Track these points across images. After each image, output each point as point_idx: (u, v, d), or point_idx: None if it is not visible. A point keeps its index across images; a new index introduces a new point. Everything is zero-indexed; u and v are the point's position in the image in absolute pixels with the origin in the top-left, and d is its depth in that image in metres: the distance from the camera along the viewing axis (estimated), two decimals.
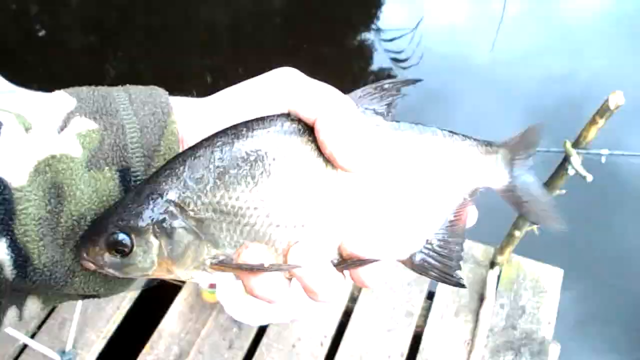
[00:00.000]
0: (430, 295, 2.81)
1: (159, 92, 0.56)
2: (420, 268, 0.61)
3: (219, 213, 0.53)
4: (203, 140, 0.54)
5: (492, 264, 2.85)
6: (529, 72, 4.72)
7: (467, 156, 0.64)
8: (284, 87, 0.56)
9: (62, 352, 2.51)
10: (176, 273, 0.54)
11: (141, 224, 0.51)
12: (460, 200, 0.64)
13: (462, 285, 0.62)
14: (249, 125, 0.55)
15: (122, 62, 5.31)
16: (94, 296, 0.57)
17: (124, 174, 0.53)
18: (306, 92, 0.56)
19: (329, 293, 0.55)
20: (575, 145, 2.24)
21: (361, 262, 0.56)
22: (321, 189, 0.55)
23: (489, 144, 0.67)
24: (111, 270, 0.52)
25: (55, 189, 0.50)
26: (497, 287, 2.80)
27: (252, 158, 0.53)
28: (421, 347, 2.61)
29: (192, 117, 0.57)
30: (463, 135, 0.65)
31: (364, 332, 2.64)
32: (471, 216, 0.65)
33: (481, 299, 2.74)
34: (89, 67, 5.00)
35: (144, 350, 2.59)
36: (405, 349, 2.60)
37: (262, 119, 0.55)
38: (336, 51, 5.28)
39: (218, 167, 0.53)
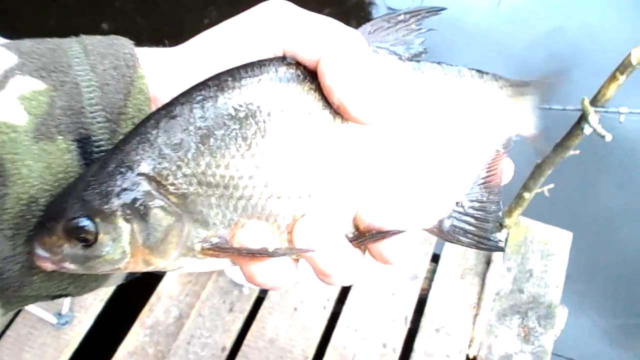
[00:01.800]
0: (435, 258, 2.75)
1: (122, 42, 0.46)
2: (450, 235, 0.52)
3: (205, 186, 0.44)
4: (179, 96, 0.44)
5: (500, 227, 2.78)
6: (535, 28, 4.57)
7: (499, 99, 0.55)
8: (276, 23, 0.46)
9: (59, 315, 2.46)
10: (157, 264, 0.45)
11: (107, 205, 0.42)
12: (493, 153, 0.55)
13: (501, 249, 0.54)
14: (234, 73, 0.45)
15: (118, 17, 5.14)
16: (65, 295, 0.48)
17: (84, 144, 0.44)
18: (304, 28, 0.46)
19: (346, 274, 0.47)
20: (593, 103, 2.13)
21: (382, 234, 0.47)
22: (329, 149, 0.46)
23: (521, 84, 0.59)
24: (72, 266, 0.43)
25: None
26: (504, 250, 2.73)
27: (241, 115, 0.44)
28: (426, 310, 2.56)
29: (165, 70, 0.47)
30: (493, 75, 0.56)
31: (368, 296, 2.59)
32: (507, 170, 0.56)
33: (488, 262, 2.68)
34: (84, 22, 4.84)
35: (143, 313, 2.54)
36: (409, 313, 2.55)
37: (251, 65, 0.45)
38: (335, 10, 5.10)
39: (200, 128, 0.44)
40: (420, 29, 0.51)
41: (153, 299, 2.58)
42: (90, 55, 0.45)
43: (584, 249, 2.98)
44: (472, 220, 0.53)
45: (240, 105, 0.44)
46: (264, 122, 0.44)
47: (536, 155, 0.65)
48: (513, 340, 2.49)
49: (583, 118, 2.15)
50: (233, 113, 0.44)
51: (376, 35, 0.50)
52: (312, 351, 2.45)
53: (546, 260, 2.71)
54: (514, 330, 2.52)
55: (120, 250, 0.43)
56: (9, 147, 0.41)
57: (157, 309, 2.56)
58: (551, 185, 2.56)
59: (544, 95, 0.62)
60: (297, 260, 0.48)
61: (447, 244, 2.71)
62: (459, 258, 2.71)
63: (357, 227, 0.48)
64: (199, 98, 0.44)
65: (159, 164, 0.43)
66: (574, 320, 2.69)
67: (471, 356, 2.44)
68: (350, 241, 0.48)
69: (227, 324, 2.51)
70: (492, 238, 0.54)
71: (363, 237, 0.48)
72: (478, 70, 0.55)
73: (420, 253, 2.73)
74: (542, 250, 2.75)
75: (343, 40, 0.45)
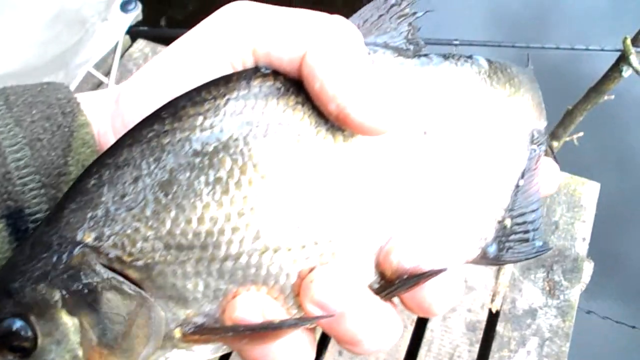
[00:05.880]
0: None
1: (55, 86, 0.36)
2: (498, 260, 0.43)
3: (175, 249, 0.33)
4: (125, 136, 0.35)
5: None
6: None
7: (521, 90, 0.46)
8: (243, 23, 0.35)
9: None
10: None
11: (43, 295, 0.31)
12: (526, 155, 0.45)
13: (549, 249, 0.46)
14: (194, 97, 0.34)
15: None
16: None
17: (15, 219, 0.34)
18: (279, 22, 0.34)
19: (379, 338, 0.36)
20: (635, 43, 1.98)
21: (417, 278, 0.36)
22: (332, 178, 0.36)
23: (529, 71, 0.50)
24: None
25: None
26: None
27: (209, 149, 0.33)
28: None
29: (117, 110, 0.36)
30: (503, 63, 0.46)
31: None
32: (550, 173, 0.46)
33: None
34: None
35: None
36: None
37: (215, 83, 0.34)
38: None
39: (158, 174, 0.33)
40: (414, 13, 0.40)
41: None
42: (14, 107, 0.34)
43: (613, 200, 2.87)
44: (516, 236, 0.44)
45: (209, 138, 0.33)
46: (242, 154, 0.34)
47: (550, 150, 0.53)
48: (537, 295, 2.41)
49: (623, 59, 2.00)
50: (198, 148, 0.33)
51: (367, 27, 0.38)
52: None
53: (573, 212, 2.60)
54: (538, 284, 2.43)
55: (69, 355, 0.32)
56: None
57: None
58: (581, 134, 2.44)
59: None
60: (313, 329, 0.37)
61: None
62: None
63: (382, 275, 0.37)
64: (151, 135, 0.33)
65: (108, 229, 0.32)
66: (599, 274, 2.59)
67: (494, 310, 2.36)
68: (377, 294, 0.37)
69: None
70: (537, 245, 0.44)
71: (393, 286, 0.37)
72: (489, 60, 0.44)
73: None
74: (568, 201, 2.63)
75: (331, 30, 0.34)
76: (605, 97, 2.21)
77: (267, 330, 0.34)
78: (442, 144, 0.39)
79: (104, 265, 0.33)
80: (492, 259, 0.43)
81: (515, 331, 2.32)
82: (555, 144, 2.45)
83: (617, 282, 2.97)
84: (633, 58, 1.94)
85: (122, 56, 2.53)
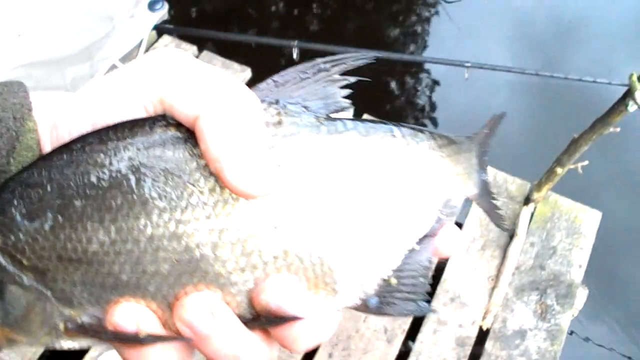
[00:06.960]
0: (458, 227, 2.68)
1: (14, 89, 0.41)
2: (379, 312, 0.46)
3: (66, 261, 0.40)
4: (39, 159, 0.41)
5: (527, 200, 2.70)
6: None
7: (432, 161, 0.49)
8: (161, 73, 0.40)
9: None
10: (23, 342, 0.42)
11: None
12: (430, 221, 0.48)
13: (431, 311, 0.48)
14: (102, 135, 0.40)
15: None
16: None
17: None
18: (188, 78, 0.39)
19: None
20: None
21: (277, 321, 0.41)
22: (214, 222, 0.41)
23: (462, 140, 0.53)
24: None
25: None
26: (529, 224, 2.66)
27: (105, 185, 0.40)
28: (443, 278, 2.51)
29: (55, 124, 0.42)
30: (429, 133, 0.49)
31: None
32: (452, 240, 0.48)
33: (511, 235, 2.61)
34: None
35: None
36: None
37: (123, 124, 0.40)
38: None
39: (59, 196, 0.40)
40: (344, 79, 0.44)
41: None
42: None
43: (612, 230, 2.90)
44: (400, 295, 0.47)
45: (108, 172, 0.40)
46: (135, 189, 0.40)
47: (489, 216, 0.57)
48: (529, 317, 2.45)
49: (629, 94, 2.04)
50: (95, 181, 0.40)
51: (286, 88, 0.43)
52: None
53: (572, 239, 2.63)
54: (530, 306, 2.47)
55: None
56: None
57: None
58: (585, 162, 2.46)
59: (483, 148, 0.56)
60: (191, 346, 0.42)
61: (470, 213, 2.65)
62: (482, 229, 2.65)
63: (253, 308, 0.42)
64: (59, 163, 0.40)
65: (13, 235, 0.40)
66: (593, 302, 2.62)
67: (484, 328, 2.41)
68: (245, 323, 0.42)
69: None
70: (422, 305, 0.47)
71: (257, 321, 0.42)
72: (412, 127, 0.48)
73: None
74: (568, 227, 2.67)
75: (228, 97, 0.39)
76: (611, 129, 2.24)
77: (133, 342, 0.40)
78: (329, 204, 0.43)
79: (9, 263, 0.40)
80: (373, 310, 0.46)
81: (503, 350, 2.36)
82: (559, 170, 2.49)
83: (612, 310, 2.99)
84: (638, 94, 1.99)
85: (146, 51, 2.62)
